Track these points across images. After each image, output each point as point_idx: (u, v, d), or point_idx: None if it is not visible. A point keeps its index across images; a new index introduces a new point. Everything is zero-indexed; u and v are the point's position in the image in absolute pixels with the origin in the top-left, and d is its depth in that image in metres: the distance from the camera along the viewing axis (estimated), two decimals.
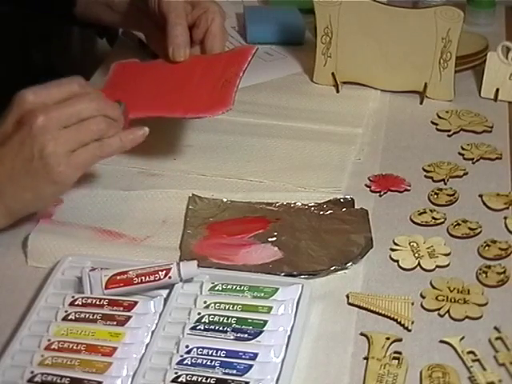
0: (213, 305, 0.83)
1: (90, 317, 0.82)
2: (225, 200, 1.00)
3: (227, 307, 0.82)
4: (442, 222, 0.97)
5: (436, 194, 1.02)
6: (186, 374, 0.75)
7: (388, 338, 0.81)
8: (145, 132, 0.95)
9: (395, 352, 0.80)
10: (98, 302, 0.83)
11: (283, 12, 1.39)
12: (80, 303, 0.83)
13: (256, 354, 0.77)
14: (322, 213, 0.98)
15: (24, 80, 1.15)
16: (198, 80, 1.05)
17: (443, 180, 1.04)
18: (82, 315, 0.82)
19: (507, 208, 0.99)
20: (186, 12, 1.08)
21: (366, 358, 0.80)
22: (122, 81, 1.08)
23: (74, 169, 0.89)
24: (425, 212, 0.98)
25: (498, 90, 1.21)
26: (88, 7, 1.24)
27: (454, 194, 1.01)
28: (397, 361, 0.79)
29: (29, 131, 0.87)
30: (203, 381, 0.75)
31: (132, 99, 1.01)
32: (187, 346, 0.78)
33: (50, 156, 0.87)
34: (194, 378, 0.75)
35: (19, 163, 0.88)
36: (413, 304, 0.86)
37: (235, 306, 0.82)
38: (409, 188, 1.03)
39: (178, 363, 0.77)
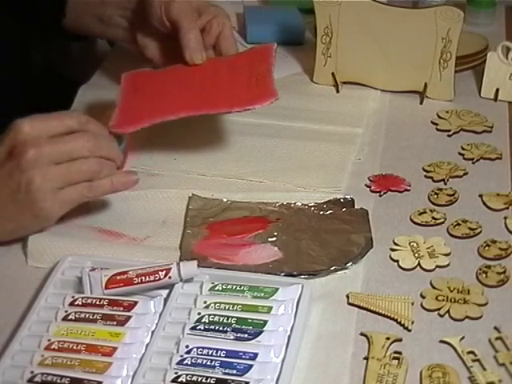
0: (213, 305, 0.83)
1: (90, 317, 0.82)
2: (225, 200, 1.00)
3: (227, 307, 0.82)
4: (442, 222, 0.97)
5: (436, 193, 1.02)
6: (186, 374, 0.75)
7: (388, 338, 0.81)
8: (137, 179, 0.94)
9: (395, 352, 0.80)
10: (98, 302, 0.83)
11: (283, 12, 1.39)
12: (80, 303, 0.83)
13: (256, 354, 0.77)
14: (322, 213, 0.98)
15: (24, 80, 1.16)
16: (227, 78, 1.07)
17: (443, 180, 1.04)
18: (82, 315, 0.82)
19: (507, 208, 0.99)
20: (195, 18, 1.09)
21: (366, 358, 0.80)
22: (138, 87, 1.09)
23: (59, 206, 0.90)
24: (425, 212, 0.98)
25: (497, 90, 1.21)
26: (78, 19, 1.21)
27: (454, 194, 1.01)
28: (397, 361, 0.79)
29: (18, 163, 0.87)
30: (203, 381, 0.75)
31: (159, 103, 1.04)
32: (187, 346, 0.78)
33: (36, 191, 0.87)
34: (194, 378, 0.75)
35: (5, 194, 0.88)
36: (413, 304, 0.86)
37: (235, 306, 0.82)
38: (409, 188, 1.03)
39: (178, 363, 0.77)
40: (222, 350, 0.77)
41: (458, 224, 0.96)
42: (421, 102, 1.21)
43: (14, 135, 0.88)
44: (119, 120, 1.02)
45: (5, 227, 0.90)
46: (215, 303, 0.83)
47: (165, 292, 0.85)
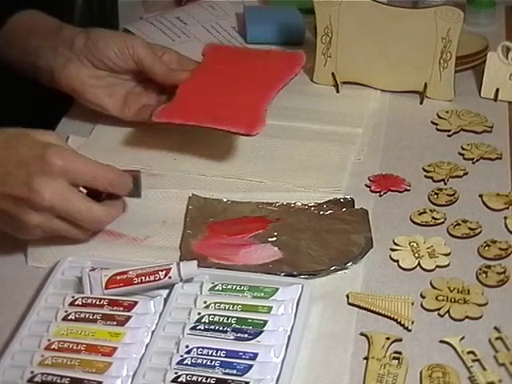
0: (213, 305, 0.83)
1: (90, 317, 0.82)
2: (225, 200, 1.00)
3: (227, 307, 0.82)
4: (442, 222, 0.97)
5: (436, 193, 1.02)
6: (186, 374, 0.75)
7: (388, 338, 0.81)
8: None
9: (395, 352, 0.80)
10: (98, 302, 0.83)
11: (283, 12, 1.39)
12: (80, 303, 0.83)
13: (256, 354, 0.77)
14: (322, 213, 0.98)
15: (24, 80, 1.16)
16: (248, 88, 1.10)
17: (443, 180, 1.04)
18: (82, 315, 0.82)
19: (507, 208, 0.99)
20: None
21: (366, 358, 0.80)
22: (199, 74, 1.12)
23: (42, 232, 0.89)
24: (425, 212, 0.98)
25: (498, 90, 1.21)
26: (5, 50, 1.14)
27: (454, 194, 1.01)
28: (397, 361, 0.79)
29: (32, 202, 0.86)
30: (203, 381, 0.75)
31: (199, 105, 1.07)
32: (187, 346, 0.78)
33: (28, 228, 0.88)
34: (194, 378, 0.75)
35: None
36: (413, 304, 0.86)
37: (235, 306, 0.82)
38: (409, 188, 1.03)
39: (178, 363, 0.77)
40: (222, 350, 0.78)
41: (458, 224, 0.96)
42: (421, 102, 1.21)
43: (45, 161, 0.86)
44: (163, 112, 1.06)
45: None
46: (215, 303, 0.83)
47: (165, 292, 0.85)
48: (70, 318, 0.82)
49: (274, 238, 0.94)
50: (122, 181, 0.92)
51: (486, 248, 0.93)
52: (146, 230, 0.96)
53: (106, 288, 0.84)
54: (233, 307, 0.82)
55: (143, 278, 0.84)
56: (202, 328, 0.80)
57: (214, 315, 0.81)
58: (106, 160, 1.07)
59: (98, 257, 0.91)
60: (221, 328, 0.80)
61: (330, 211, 0.98)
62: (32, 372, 0.76)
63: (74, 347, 0.79)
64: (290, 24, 1.35)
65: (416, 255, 0.92)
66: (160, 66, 1.10)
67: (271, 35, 1.34)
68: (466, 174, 1.06)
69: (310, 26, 1.31)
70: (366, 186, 1.03)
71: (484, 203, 1.00)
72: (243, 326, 0.80)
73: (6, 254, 0.93)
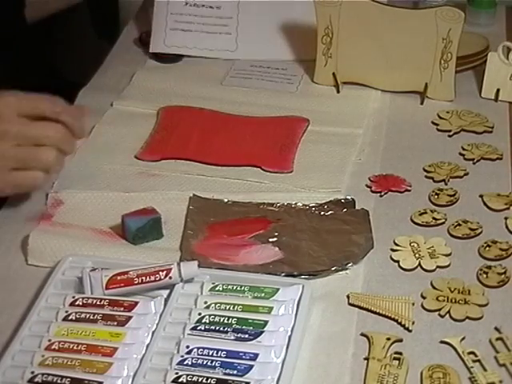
0: (213, 305, 0.83)
1: (91, 317, 0.82)
2: (225, 200, 1.00)
3: (228, 307, 0.82)
4: (443, 223, 0.97)
5: (436, 194, 1.02)
6: (187, 375, 0.75)
7: (388, 339, 0.81)
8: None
9: (396, 352, 0.80)
10: (98, 303, 0.83)
11: None
12: (80, 303, 0.83)
13: (256, 355, 0.77)
14: (322, 213, 0.98)
15: (24, 80, 1.16)
16: (252, 137, 1.12)
17: (444, 180, 1.04)
18: (83, 315, 0.82)
19: (508, 208, 0.99)
20: None
21: (367, 359, 0.80)
22: (172, 123, 1.16)
23: (11, 187, 0.93)
24: (425, 212, 0.98)
25: (498, 91, 1.21)
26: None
27: (454, 195, 1.01)
28: (397, 361, 0.79)
29: None
30: (204, 381, 0.75)
31: (185, 143, 1.11)
32: (188, 347, 0.78)
33: None
34: (195, 379, 0.75)
35: None
36: (413, 304, 0.86)
37: (236, 307, 0.82)
38: (409, 188, 1.03)
39: (179, 363, 0.77)
40: (222, 350, 0.77)
41: (459, 224, 0.96)
42: (421, 103, 1.21)
43: None
44: (147, 150, 1.09)
45: None
46: (216, 303, 0.83)
47: (165, 292, 0.85)
48: (70, 318, 0.82)
49: (275, 239, 0.94)
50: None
51: (487, 248, 0.93)
52: None
53: (107, 288, 0.84)
54: (233, 307, 0.82)
55: (144, 278, 0.84)
56: (203, 328, 0.80)
57: (215, 315, 0.81)
58: (106, 160, 1.08)
59: (99, 257, 0.90)
60: (221, 328, 0.80)
61: (330, 212, 0.98)
62: (32, 372, 0.76)
63: (75, 347, 0.79)
64: None
65: (416, 255, 0.92)
66: None
67: None
68: (466, 174, 1.06)
69: None
70: (367, 186, 1.03)
71: (484, 203, 1.00)
72: (244, 327, 0.80)
73: (6, 254, 0.93)
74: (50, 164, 0.93)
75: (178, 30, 1.32)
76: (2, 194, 0.95)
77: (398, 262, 0.91)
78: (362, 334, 0.82)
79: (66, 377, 0.76)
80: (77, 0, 1.33)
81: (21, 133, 0.90)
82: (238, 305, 0.82)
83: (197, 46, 1.31)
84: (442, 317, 0.84)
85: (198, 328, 0.80)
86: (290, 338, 0.79)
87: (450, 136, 1.14)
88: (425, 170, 1.06)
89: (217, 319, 0.81)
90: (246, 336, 0.79)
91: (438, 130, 1.15)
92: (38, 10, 1.28)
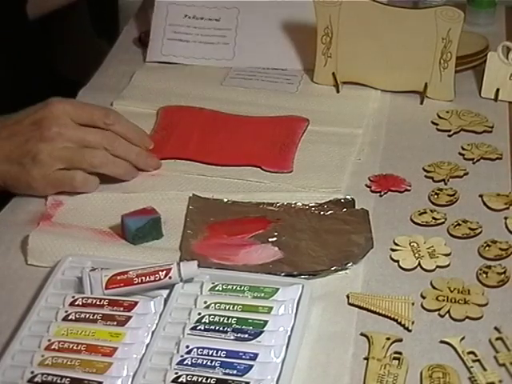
0: (213, 305, 0.83)
1: (91, 317, 0.82)
2: (225, 200, 1.00)
3: (227, 307, 0.82)
4: (443, 222, 0.97)
5: (436, 194, 1.02)
6: (187, 375, 0.75)
7: (388, 339, 0.81)
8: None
9: (395, 352, 0.80)
10: (98, 302, 0.83)
11: None
12: (80, 303, 0.83)
13: (256, 355, 0.77)
14: (322, 213, 0.98)
15: (24, 80, 1.16)
16: (252, 137, 1.12)
17: (443, 180, 1.04)
18: (83, 315, 0.82)
19: (507, 208, 0.99)
20: None
21: (367, 359, 0.80)
22: (172, 123, 1.16)
23: (50, 185, 0.99)
24: (425, 212, 0.98)
25: (498, 90, 1.21)
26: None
27: (454, 194, 1.01)
28: (397, 361, 0.79)
29: (40, 135, 0.97)
30: (203, 381, 0.75)
31: (185, 143, 1.11)
32: (187, 346, 0.78)
33: (39, 164, 0.97)
34: (195, 379, 0.75)
35: (16, 155, 0.97)
36: (413, 304, 0.85)
37: (235, 307, 0.82)
38: (409, 188, 1.03)
39: (179, 363, 0.77)
40: (222, 350, 0.77)
41: (459, 224, 0.96)
42: (421, 102, 1.21)
43: (47, 109, 0.98)
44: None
45: (4, 181, 0.99)
46: (215, 303, 0.83)
47: (165, 292, 0.85)
48: (70, 318, 0.82)
49: (275, 239, 0.94)
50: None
51: (487, 248, 0.93)
52: None
53: (107, 288, 0.84)
54: (233, 307, 0.82)
55: (143, 278, 0.84)
56: (203, 328, 0.80)
57: (215, 315, 0.81)
58: None
59: (99, 257, 0.90)
60: (221, 328, 0.80)
61: (330, 211, 0.98)
62: (32, 372, 0.76)
63: (75, 347, 0.79)
64: None
65: (416, 255, 0.92)
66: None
67: None
68: (466, 174, 1.06)
69: None
70: (367, 186, 1.03)
71: (484, 203, 1.00)
72: (243, 327, 0.80)
73: (6, 254, 0.93)
74: (95, 164, 0.99)
75: (175, 41, 1.32)
76: (43, 193, 0.99)
77: (397, 261, 0.91)
78: (362, 334, 0.82)
79: (66, 377, 0.76)
80: None
81: (74, 137, 0.98)
82: (238, 305, 0.82)
83: (194, 56, 1.31)
84: (442, 317, 0.84)
85: (198, 328, 0.80)
86: (289, 337, 0.79)
87: (449, 136, 1.14)
88: (424, 170, 1.06)
89: (216, 319, 0.81)
90: (246, 336, 0.79)
91: (438, 129, 1.15)
92: (39, 7, 1.29)
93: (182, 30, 1.32)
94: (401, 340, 0.81)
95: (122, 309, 0.83)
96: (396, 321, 0.84)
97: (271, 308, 0.82)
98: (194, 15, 1.32)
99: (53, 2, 1.32)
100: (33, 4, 1.28)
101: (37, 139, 0.97)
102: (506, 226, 0.96)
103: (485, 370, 0.78)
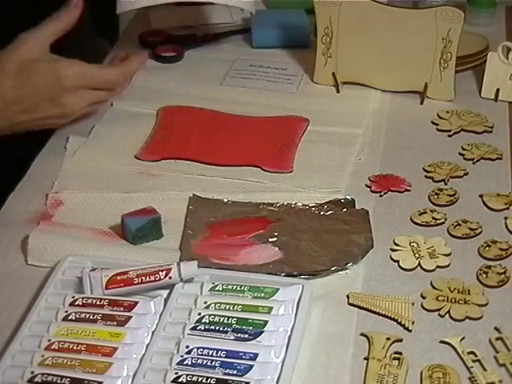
0: (213, 305, 0.83)
1: (91, 317, 0.82)
2: (225, 200, 1.00)
3: (227, 307, 0.82)
4: (443, 223, 0.97)
5: (436, 194, 1.02)
6: (187, 375, 0.75)
7: (388, 339, 0.81)
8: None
9: (395, 352, 0.80)
10: (98, 303, 0.83)
11: (290, 14, 1.37)
12: (80, 303, 0.83)
13: (256, 355, 0.77)
14: (322, 213, 0.98)
15: None
16: (253, 137, 1.12)
17: (443, 180, 1.04)
18: (83, 315, 0.82)
19: (507, 208, 0.99)
20: None
21: (367, 359, 0.80)
22: (172, 123, 1.16)
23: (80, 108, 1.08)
24: (425, 212, 0.98)
25: (498, 90, 1.21)
26: None
27: (454, 195, 1.01)
28: (397, 361, 0.79)
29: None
30: (203, 381, 0.75)
31: (185, 143, 1.11)
32: (187, 347, 0.78)
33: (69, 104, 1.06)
34: (195, 379, 0.75)
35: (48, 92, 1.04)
36: (413, 304, 0.86)
37: (235, 307, 0.82)
38: (409, 188, 1.03)
39: (179, 363, 0.77)
40: (222, 350, 0.78)
41: (459, 224, 0.96)
42: (421, 103, 1.21)
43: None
44: (146, 150, 1.09)
45: (33, 117, 1.05)
46: (215, 303, 0.83)
47: (165, 292, 0.85)
48: (70, 318, 0.82)
49: (275, 239, 0.94)
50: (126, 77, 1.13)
51: (487, 248, 0.93)
52: None
53: (107, 288, 0.84)
54: (233, 307, 0.82)
55: (143, 278, 0.84)
56: (203, 328, 0.80)
57: (215, 315, 0.81)
58: (106, 160, 1.08)
59: (99, 257, 0.90)
60: (221, 328, 0.80)
61: (330, 211, 0.98)
62: (32, 372, 0.76)
63: (75, 347, 0.79)
64: (297, 26, 1.35)
65: (416, 255, 0.92)
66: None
67: (277, 39, 1.34)
68: (466, 174, 1.06)
69: (311, 26, 1.31)
70: (367, 186, 1.03)
71: (484, 203, 1.00)
72: (243, 327, 0.80)
73: (6, 253, 0.93)
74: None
75: None
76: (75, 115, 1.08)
77: (397, 261, 0.91)
78: (362, 334, 0.82)
79: (66, 377, 0.76)
80: None
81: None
82: (238, 305, 0.82)
83: None
84: (442, 317, 0.85)
85: (198, 328, 0.80)
86: (289, 337, 0.79)
87: (449, 136, 1.14)
88: (425, 170, 1.06)
89: (216, 319, 0.81)
90: (246, 336, 0.79)
91: (438, 129, 1.15)
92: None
93: None
94: (401, 340, 0.81)
95: (122, 309, 0.83)
96: (396, 321, 0.84)
97: (271, 308, 0.82)
98: None
99: None
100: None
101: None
102: (506, 226, 0.96)
103: (485, 370, 0.78)
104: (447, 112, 1.18)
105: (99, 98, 1.10)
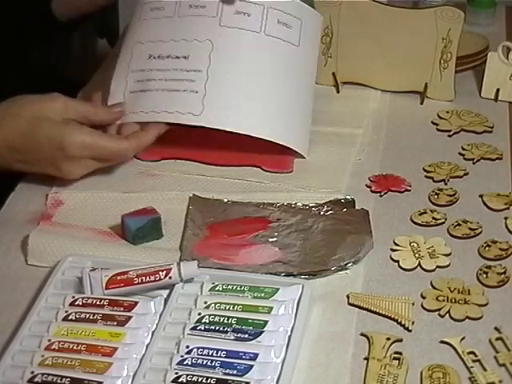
0: (213, 305, 0.83)
1: (91, 317, 0.82)
2: (225, 200, 1.00)
3: (227, 307, 0.82)
4: (443, 223, 0.97)
5: (436, 194, 1.02)
6: (187, 375, 0.75)
7: (388, 339, 0.81)
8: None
9: (395, 352, 0.80)
10: (98, 303, 0.83)
11: None
12: (80, 303, 0.83)
13: (256, 355, 0.77)
14: (322, 213, 0.98)
15: (24, 80, 1.16)
16: (250, 137, 1.07)
17: (444, 180, 1.04)
18: (83, 315, 0.82)
19: (507, 208, 0.99)
20: None
21: (367, 359, 0.80)
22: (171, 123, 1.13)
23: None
24: (425, 212, 0.98)
25: (498, 90, 1.21)
26: None
27: (454, 195, 1.01)
28: (397, 361, 0.79)
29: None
30: (203, 381, 0.75)
31: (185, 142, 1.09)
32: (187, 347, 0.78)
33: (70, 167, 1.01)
34: (195, 379, 0.75)
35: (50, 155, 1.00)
36: (413, 304, 0.86)
37: (235, 307, 0.82)
38: (409, 188, 1.03)
39: (179, 363, 0.77)
40: (222, 350, 0.77)
41: (459, 224, 0.96)
42: (421, 103, 1.21)
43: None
44: (147, 150, 1.07)
45: (31, 169, 1.03)
46: (216, 303, 0.83)
47: (165, 292, 0.85)
48: (70, 318, 0.82)
49: (275, 239, 0.94)
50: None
51: (487, 248, 0.93)
52: None
53: (107, 288, 0.84)
54: (233, 307, 0.82)
55: (143, 278, 0.84)
56: (203, 328, 0.80)
57: (215, 315, 0.81)
58: None
59: (99, 257, 0.90)
60: (221, 328, 0.80)
61: (330, 211, 0.98)
62: (32, 372, 0.76)
63: (75, 347, 0.79)
64: None
65: (416, 255, 0.92)
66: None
67: None
68: (466, 174, 1.06)
69: None
70: (367, 186, 1.03)
71: (484, 203, 1.00)
72: (243, 327, 0.80)
73: (6, 254, 0.93)
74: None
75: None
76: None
77: (397, 261, 0.91)
78: (362, 334, 0.82)
79: (66, 377, 0.76)
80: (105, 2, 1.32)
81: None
82: (238, 305, 0.82)
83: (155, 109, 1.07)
84: (442, 317, 0.84)
85: (198, 328, 0.80)
86: (289, 337, 0.79)
87: (449, 136, 1.14)
88: (425, 170, 1.07)
89: (217, 319, 0.81)
90: (246, 336, 0.79)
91: (438, 129, 1.16)
92: (67, 6, 1.27)
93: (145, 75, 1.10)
94: (401, 340, 0.81)
95: (122, 309, 0.83)
96: (396, 321, 0.84)
97: (271, 308, 0.82)
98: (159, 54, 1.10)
99: (81, 3, 1.30)
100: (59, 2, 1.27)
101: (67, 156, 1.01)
102: (506, 226, 0.96)
103: (485, 370, 0.78)
104: (447, 112, 1.18)
105: (102, 166, 1.04)
